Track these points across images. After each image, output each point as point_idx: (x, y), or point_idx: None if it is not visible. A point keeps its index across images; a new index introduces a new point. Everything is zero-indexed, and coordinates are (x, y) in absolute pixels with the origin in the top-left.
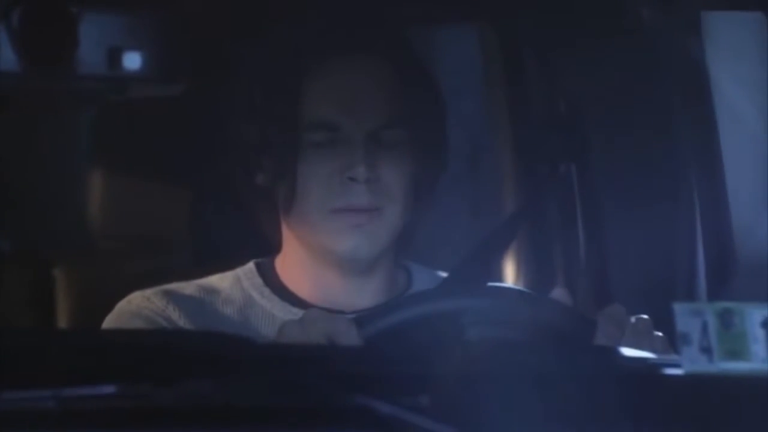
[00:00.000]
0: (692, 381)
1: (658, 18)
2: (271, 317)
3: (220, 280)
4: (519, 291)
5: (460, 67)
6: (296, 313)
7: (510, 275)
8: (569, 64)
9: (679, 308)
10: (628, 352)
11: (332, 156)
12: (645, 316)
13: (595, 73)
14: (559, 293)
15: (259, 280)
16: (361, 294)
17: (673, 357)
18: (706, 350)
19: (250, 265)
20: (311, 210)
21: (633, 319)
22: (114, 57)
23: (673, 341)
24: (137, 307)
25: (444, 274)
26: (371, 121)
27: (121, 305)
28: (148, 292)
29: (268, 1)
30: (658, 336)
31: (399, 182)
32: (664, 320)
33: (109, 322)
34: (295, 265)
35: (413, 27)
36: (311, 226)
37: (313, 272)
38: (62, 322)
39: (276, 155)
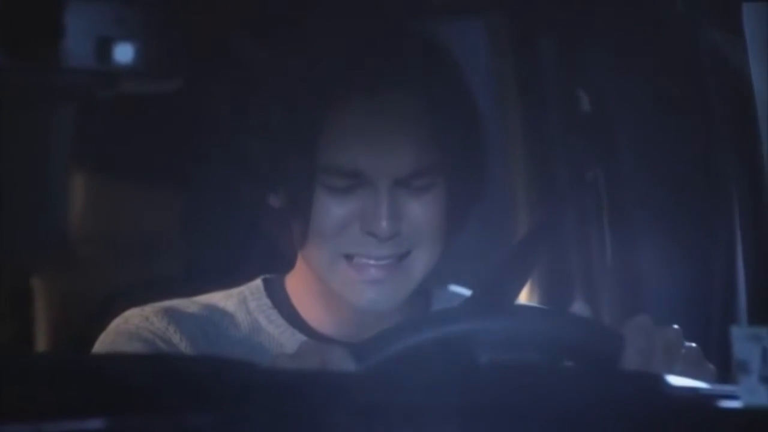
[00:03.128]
0: (751, 415)
1: (695, 9)
2: (279, 345)
3: (225, 299)
4: (536, 308)
5: (471, 65)
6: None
7: (532, 291)
8: (595, 59)
9: (736, 332)
10: (676, 380)
11: (351, 201)
12: (693, 345)
13: (624, 69)
14: (578, 307)
15: (266, 302)
16: (379, 325)
17: (729, 387)
18: (767, 380)
19: (258, 283)
20: (324, 251)
21: (683, 349)
22: (103, 49)
23: (712, 361)
24: (136, 327)
25: (463, 292)
26: (398, 168)
27: (117, 323)
28: (147, 309)
29: None
30: (709, 368)
31: (429, 226)
32: (698, 341)
33: (103, 342)
34: (307, 289)
35: (418, 21)
36: (324, 268)
37: (325, 301)
38: (41, 337)
39: (289, 189)
